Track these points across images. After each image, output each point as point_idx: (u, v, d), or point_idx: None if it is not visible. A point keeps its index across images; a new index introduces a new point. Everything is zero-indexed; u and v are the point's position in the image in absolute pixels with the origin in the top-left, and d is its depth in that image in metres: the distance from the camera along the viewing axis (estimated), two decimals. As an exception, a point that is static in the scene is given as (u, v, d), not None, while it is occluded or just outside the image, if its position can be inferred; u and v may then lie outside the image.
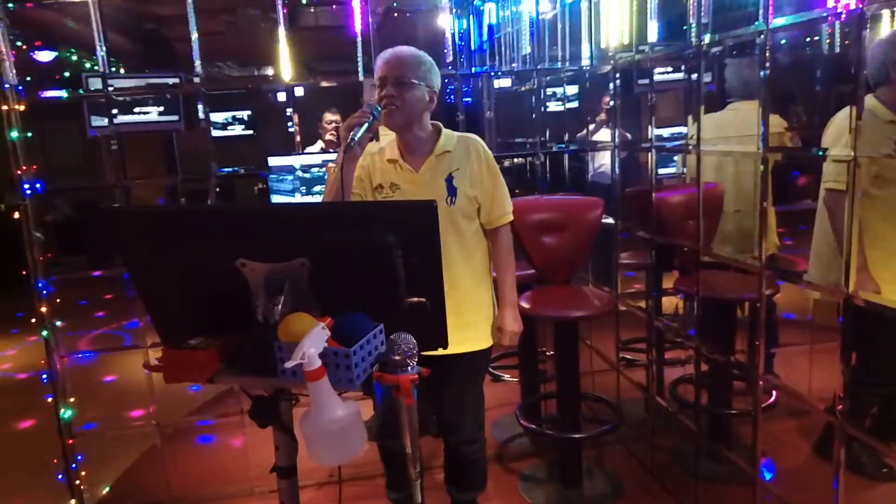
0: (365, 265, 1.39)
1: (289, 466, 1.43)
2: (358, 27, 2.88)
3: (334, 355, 1.24)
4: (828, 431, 2.88)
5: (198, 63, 2.87)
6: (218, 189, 3.06)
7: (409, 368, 1.28)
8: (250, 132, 11.40)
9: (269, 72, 11.47)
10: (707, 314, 2.72)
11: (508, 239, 2.26)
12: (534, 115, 3.47)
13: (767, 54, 2.05)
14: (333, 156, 3.01)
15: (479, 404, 2.34)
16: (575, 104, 4.22)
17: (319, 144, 4.28)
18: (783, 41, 2.07)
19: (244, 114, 11.40)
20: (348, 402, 1.26)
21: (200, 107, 2.93)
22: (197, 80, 2.88)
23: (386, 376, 1.27)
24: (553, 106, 4.70)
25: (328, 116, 4.31)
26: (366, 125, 1.87)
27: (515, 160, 5.39)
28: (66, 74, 7.30)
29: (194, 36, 2.82)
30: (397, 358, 1.27)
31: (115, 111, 2.97)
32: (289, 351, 1.27)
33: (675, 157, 3.81)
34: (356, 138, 1.85)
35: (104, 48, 2.80)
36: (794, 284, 2.24)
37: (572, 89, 4.22)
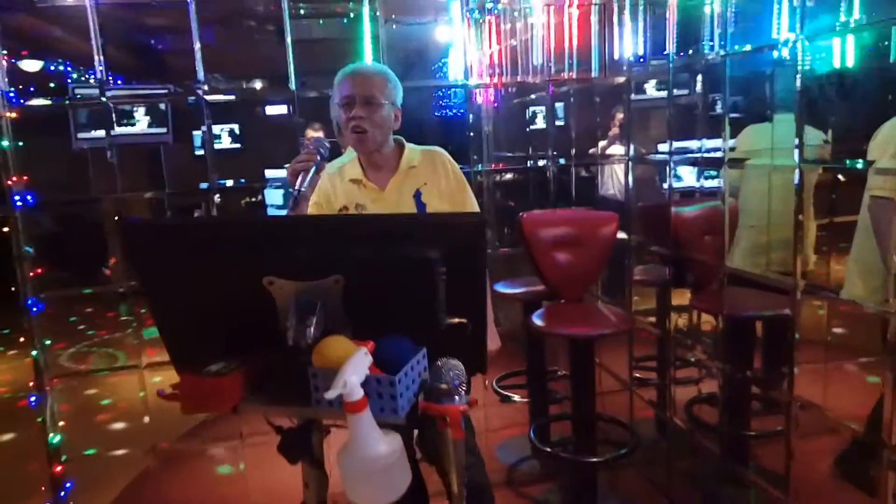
0: (403, 283, 1.28)
1: (319, 504, 1.31)
2: (369, 38, 2.78)
3: (377, 383, 1.12)
4: (851, 450, 2.80)
5: (201, 75, 2.76)
6: (218, 199, 2.94)
7: (458, 398, 1.16)
8: (238, 145, 11.28)
9: (257, 85, 11.38)
10: (730, 332, 2.64)
11: None
12: (545, 128, 3.39)
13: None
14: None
15: (468, 430, 2.23)
16: (584, 118, 4.14)
17: None
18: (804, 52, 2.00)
19: (232, 127, 11.28)
20: (392, 436, 1.14)
21: (204, 119, 2.81)
22: (200, 92, 2.76)
23: (432, 406, 1.16)
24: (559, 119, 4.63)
25: (310, 133, 4.25)
26: (313, 169, 1.72)
27: (515, 174, 5.34)
28: (52, 85, 7.15)
29: (197, 46, 2.72)
30: (444, 386, 1.16)
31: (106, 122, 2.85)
32: (324, 378, 1.16)
33: (691, 171, 3.75)
34: (304, 188, 1.71)
35: (102, 59, 2.68)
36: (832, 302, 2.16)
37: (580, 102, 4.14)
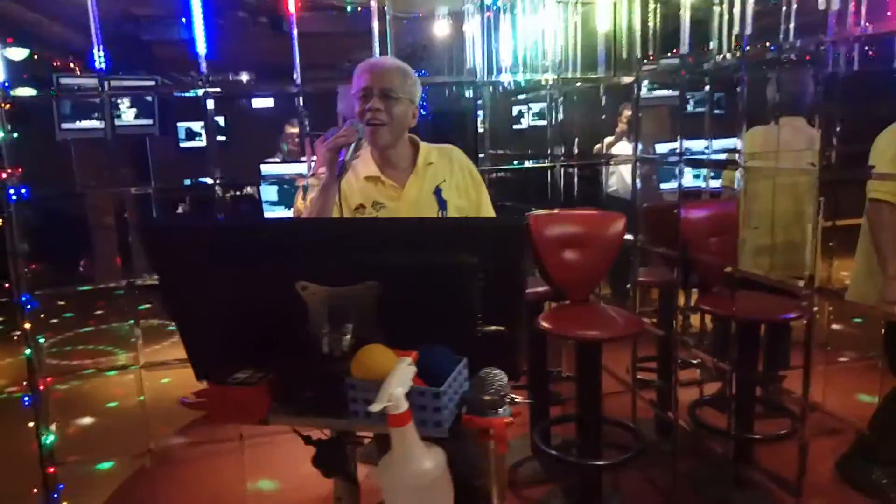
0: (439, 289, 1.23)
1: (351, 519, 1.26)
2: (375, 31, 2.72)
3: (420, 396, 1.08)
4: (852, 453, 2.81)
5: (203, 68, 2.69)
6: (221, 196, 2.87)
7: (501, 410, 1.12)
8: (223, 138, 11.13)
9: (244, 77, 11.23)
10: (740, 335, 2.62)
11: None
12: (542, 126, 3.35)
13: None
14: (296, 167, 2.83)
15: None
16: (585, 116, 4.11)
17: (279, 156, 4.23)
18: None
19: (217, 120, 11.12)
20: (435, 450, 1.09)
21: (211, 111, 2.74)
22: (209, 82, 2.70)
23: (476, 419, 1.11)
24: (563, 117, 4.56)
25: (288, 129, 4.22)
26: (353, 145, 1.71)
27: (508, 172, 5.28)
28: (35, 74, 6.98)
29: (202, 38, 2.64)
30: (488, 398, 1.12)
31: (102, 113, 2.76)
32: (362, 389, 1.11)
33: (688, 171, 3.73)
34: (346, 160, 1.69)
35: (102, 49, 2.59)
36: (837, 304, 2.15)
37: (582, 100, 4.11)
